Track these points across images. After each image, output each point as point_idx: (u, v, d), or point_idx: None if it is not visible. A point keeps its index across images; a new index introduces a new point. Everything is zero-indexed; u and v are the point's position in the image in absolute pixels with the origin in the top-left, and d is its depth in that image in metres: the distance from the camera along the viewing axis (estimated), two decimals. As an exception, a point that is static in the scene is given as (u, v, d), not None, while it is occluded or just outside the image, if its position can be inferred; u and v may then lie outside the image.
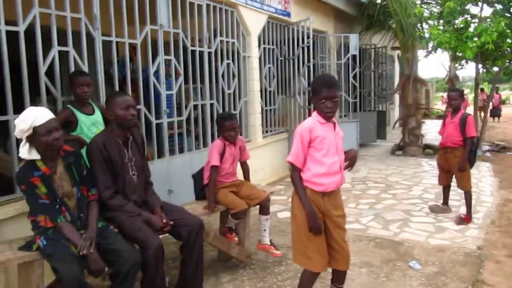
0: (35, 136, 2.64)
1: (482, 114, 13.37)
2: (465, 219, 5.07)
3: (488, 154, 10.07)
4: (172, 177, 5.04)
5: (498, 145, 11.17)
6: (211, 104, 5.89)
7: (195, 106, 5.67)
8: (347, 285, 3.41)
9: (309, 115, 9.22)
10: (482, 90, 18.74)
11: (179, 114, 5.37)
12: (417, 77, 10.42)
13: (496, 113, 19.68)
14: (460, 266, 3.92)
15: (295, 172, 2.81)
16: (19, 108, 3.31)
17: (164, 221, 3.11)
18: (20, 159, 2.76)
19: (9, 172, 3.76)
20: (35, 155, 2.69)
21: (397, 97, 14.70)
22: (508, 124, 17.92)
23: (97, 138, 3.10)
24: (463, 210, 5.30)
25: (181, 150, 5.47)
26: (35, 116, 2.64)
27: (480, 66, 10.10)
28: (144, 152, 3.36)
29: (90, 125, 3.59)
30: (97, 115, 3.69)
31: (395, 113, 15.74)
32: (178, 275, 3.33)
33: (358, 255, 4.17)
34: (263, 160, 7.14)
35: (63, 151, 2.83)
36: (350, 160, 2.84)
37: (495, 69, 10.44)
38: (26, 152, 2.68)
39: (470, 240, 4.56)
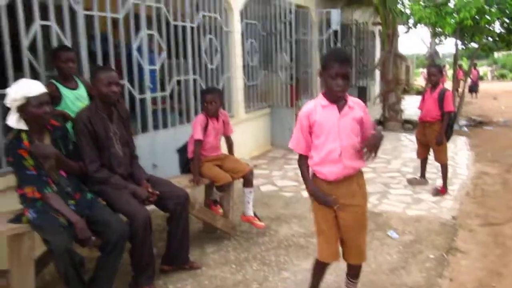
0: (26, 107, 2.68)
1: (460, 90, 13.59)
2: (441, 191, 5.26)
3: (464, 128, 10.33)
4: (156, 152, 5.06)
5: (474, 120, 11.44)
6: (194, 80, 5.89)
7: (178, 82, 5.67)
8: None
9: (291, 91, 9.03)
10: (460, 66, 18.97)
11: (163, 89, 5.37)
12: (397, 53, 10.53)
13: (474, 89, 19.96)
14: (435, 235, 4.11)
15: (299, 158, 2.67)
16: (1, 85, 3.31)
17: (150, 190, 3.19)
18: (5, 134, 2.78)
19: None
20: (23, 126, 2.73)
21: (377, 73, 14.82)
22: (485, 100, 18.26)
23: (82, 113, 3.13)
24: (439, 182, 5.49)
25: (165, 125, 5.49)
26: (29, 87, 2.70)
27: (459, 42, 10.26)
28: (129, 126, 3.40)
29: (75, 99, 3.59)
30: (81, 90, 3.69)
31: (375, 88, 15.87)
32: (165, 246, 3.42)
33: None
34: (246, 135, 7.19)
35: (50, 125, 2.87)
36: (368, 147, 2.47)
37: (474, 45, 10.62)
38: (15, 121, 2.72)
39: (445, 211, 4.75)
